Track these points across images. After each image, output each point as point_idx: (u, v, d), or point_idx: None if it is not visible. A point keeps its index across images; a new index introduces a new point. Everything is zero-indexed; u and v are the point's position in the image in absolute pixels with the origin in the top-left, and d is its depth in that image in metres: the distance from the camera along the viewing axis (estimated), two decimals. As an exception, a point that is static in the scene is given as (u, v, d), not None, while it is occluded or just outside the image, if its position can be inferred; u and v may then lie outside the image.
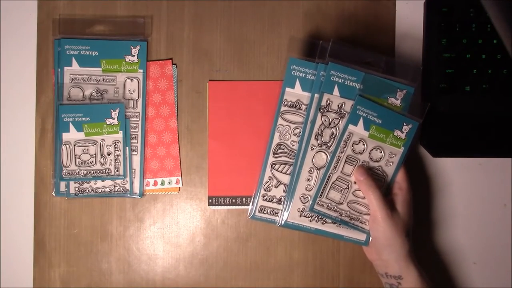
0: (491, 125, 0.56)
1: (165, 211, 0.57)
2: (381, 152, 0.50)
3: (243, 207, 0.56)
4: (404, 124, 0.50)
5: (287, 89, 0.52)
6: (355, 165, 0.50)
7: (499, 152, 0.57)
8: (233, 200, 0.56)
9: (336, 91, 0.50)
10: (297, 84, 0.51)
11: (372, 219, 0.49)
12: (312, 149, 0.50)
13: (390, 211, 0.49)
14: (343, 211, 0.50)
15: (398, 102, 0.50)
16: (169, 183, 0.57)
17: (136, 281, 0.57)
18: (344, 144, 0.50)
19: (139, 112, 0.56)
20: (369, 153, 0.50)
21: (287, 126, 0.52)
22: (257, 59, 0.57)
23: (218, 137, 0.56)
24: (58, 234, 0.56)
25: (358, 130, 0.50)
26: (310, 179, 0.51)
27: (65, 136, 0.54)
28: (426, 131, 0.57)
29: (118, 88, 0.55)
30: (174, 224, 0.57)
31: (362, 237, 0.51)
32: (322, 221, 0.52)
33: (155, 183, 0.57)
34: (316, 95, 0.51)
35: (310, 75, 0.51)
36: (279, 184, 0.52)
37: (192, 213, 0.57)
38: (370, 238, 0.51)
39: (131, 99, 0.56)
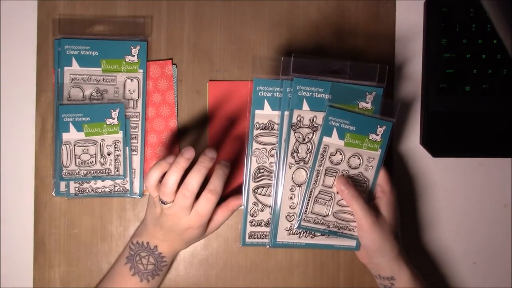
0: (491, 125, 0.56)
1: (165, 211, 0.57)
2: (359, 158, 0.49)
3: (243, 207, 0.56)
4: (378, 126, 0.49)
5: (257, 112, 0.50)
6: (335, 176, 0.49)
7: (499, 152, 0.57)
8: (233, 200, 0.56)
9: (305, 106, 0.49)
10: (266, 104, 0.50)
11: (359, 227, 0.49)
12: (290, 167, 0.50)
13: (375, 217, 0.48)
14: (331, 223, 0.50)
15: (369, 106, 0.49)
16: (169, 183, 0.57)
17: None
18: (322, 157, 0.49)
19: (139, 112, 0.56)
20: (348, 162, 0.49)
21: (263, 149, 0.50)
22: (257, 59, 0.57)
23: (218, 137, 0.56)
24: (58, 234, 0.56)
25: (333, 140, 0.49)
26: (293, 197, 0.50)
27: (65, 136, 0.54)
28: (426, 131, 0.57)
29: (118, 88, 0.55)
30: (174, 224, 0.57)
31: (352, 243, 0.51)
32: (311, 236, 0.51)
33: (155, 183, 0.57)
34: (286, 113, 0.49)
35: (277, 93, 0.50)
36: (265, 208, 0.51)
37: (192, 213, 0.57)
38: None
39: (131, 99, 0.56)
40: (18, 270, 0.57)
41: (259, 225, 0.51)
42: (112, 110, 0.54)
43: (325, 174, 0.49)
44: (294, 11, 0.57)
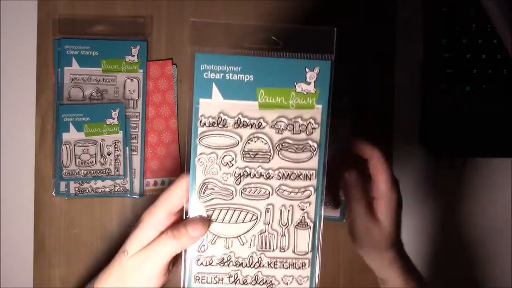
0: (491, 125, 0.56)
1: (165, 211, 0.57)
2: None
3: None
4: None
5: (202, 101, 0.35)
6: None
7: (499, 152, 0.57)
8: (233, 200, 0.55)
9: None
10: (215, 90, 0.36)
11: (355, 232, 0.43)
12: None
13: (372, 227, 0.42)
14: None
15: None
16: (169, 183, 0.57)
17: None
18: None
19: (139, 112, 0.56)
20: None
21: (212, 155, 0.36)
22: (257, 59, 0.57)
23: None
24: (58, 234, 0.56)
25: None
26: None
27: (65, 136, 0.54)
28: (426, 131, 0.57)
29: (118, 88, 0.55)
30: (174, 224, 0.57)
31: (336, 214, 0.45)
32: None
33: (155, 183, 0.57)
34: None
35: (232, 74, 0.36)
36: (217, 239, 0.36)
37: (192, 213, 0.57)
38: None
39: (131, 99, 0.56)
40: (18, 270, 0.57)
41: (209, 263, 0.36)
42: (112, 110, 0.54)
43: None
44: (294, 11, 0.57)
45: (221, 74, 0.36)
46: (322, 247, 0.57)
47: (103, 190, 0.55)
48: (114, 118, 0.54)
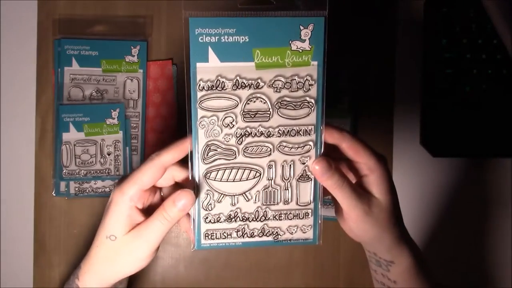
0: (491, 126, 0.56)
1: (165, 211, 0.57)
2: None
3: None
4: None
5: (199, 65, 0.36)
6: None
7: (499, 152, 0.57)
8: (233, 200, 0.55)
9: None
10: (211, 53, 0.36)
11: (348, 219, 0.39)
12: None
13: (368, 206, 0.38)
14: None
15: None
16: (169, 183, 0.57)
17: (136, 281, 0.57)
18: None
19: (139, 112, 0.56)
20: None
21: (213, 117, 0.37)
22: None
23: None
24: (58, 234, 0.56)
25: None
26: None
27: (65, 136, 0.54)
28: (426, 131, 0.57)
29: (118, 88, 0.55)
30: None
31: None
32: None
33: (155, 183, 0.57)
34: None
35: (228, 37, 0.35)
36: (223, 197, 0.38)
37: (192, 213, 0.57)
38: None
39: (131, 99, 0.56)
40: (18, 270, 0.57)
41: (217, 221, 0.38)
42: (112, 110, 0.54)
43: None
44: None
45: (217, 37, 0.35)
46: (322, 248, 0.57)
47: (103, 190, 0.55)
48: (114, 118, 0.54)
